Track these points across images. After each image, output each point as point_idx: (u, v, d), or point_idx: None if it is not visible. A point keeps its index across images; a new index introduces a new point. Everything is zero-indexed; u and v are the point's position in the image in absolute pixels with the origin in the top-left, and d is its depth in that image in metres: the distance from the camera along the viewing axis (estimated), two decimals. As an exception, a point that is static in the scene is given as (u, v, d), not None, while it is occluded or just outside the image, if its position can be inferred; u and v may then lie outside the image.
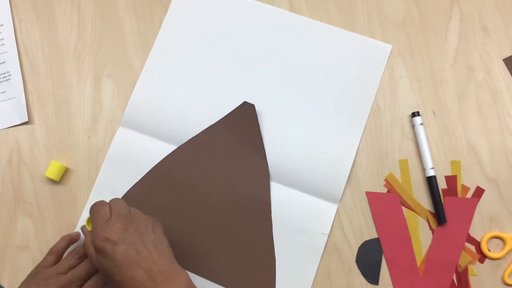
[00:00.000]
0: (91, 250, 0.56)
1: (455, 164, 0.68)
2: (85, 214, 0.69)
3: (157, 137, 0.70)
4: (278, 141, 0.69)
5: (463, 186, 0.68)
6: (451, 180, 0.68)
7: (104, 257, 0.54)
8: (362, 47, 0.71)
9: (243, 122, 0.70)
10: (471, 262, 0.66)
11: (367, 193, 0.68)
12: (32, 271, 0.62)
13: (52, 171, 0.69)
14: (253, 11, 0.73)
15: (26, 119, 0.72)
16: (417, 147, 0.69)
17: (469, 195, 0.68)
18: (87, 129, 0.72)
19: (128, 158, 0.70)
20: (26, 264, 0.68)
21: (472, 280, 0.66)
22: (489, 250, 0.66)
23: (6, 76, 0.73)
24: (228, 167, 0.69)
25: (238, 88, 0.71)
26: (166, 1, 0.74)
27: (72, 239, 0.66)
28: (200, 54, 0.72)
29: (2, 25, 0.74)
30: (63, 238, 0.66)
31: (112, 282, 0.55)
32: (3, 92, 0.73)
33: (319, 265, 0.67)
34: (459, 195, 0.68)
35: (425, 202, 0.68)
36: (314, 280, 0.66)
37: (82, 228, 0.61)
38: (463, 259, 0.66)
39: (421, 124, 0.68)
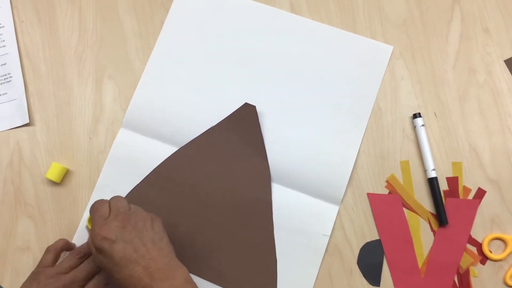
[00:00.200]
0: (91, 248, 0.57)
1: (456, 165, 0.68)
2: (86, 216, 0.69)
3: (158, 138, 0.70)
4: (279, 142, 0.69)
5: (464, 187, 0.68)
6: (453, 181, 0.68)
7: (103, 256, 0.55)
8: (363, 48, 0.71)
9: (244, 123, 0.70)
10: (473, 264, 0.66)
11: (369, 195, 0.68)
12: (33, 272, 0.62)
13: (53, 173, 0.69)
14: (254, 12, 0.73)
15: (27, 121, 0.72)
16: (419, 148, 0.69)
17: (470, 196, 0.68)
18: (88, 130, 0.72)
19: (129, 160, 0.70)
20: (27, 265, 0.68)
21: (473, 281, 0.66)
22: (491, 252, 0.66)
23: (7, 78, 0.73)
24: (229, 169, 0.69)
25: (239, 89, 0.71)
26: (167, 3, 0.74)
27: (70, 244, 0.66)
28: (201, 55, 0.72)
29: (3, 26, 0.74)
30: (61, 238, 0.67)
31: (113, 279, 0.55)
32: (4, 94, 0.73)
33: (320, 266, 0.67)
34: (461, 196, 0.68)
35: (427, 204, 0.68)
36: (315, 281, 0.66)
37: (86, 227, 0.61)
38: (465, 261, 0.66)
39: (423, 125, 0.68)
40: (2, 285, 0.68)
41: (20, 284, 0.61)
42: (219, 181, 0.69)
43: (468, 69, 0.71)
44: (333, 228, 0.67)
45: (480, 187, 0.68)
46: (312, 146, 0.69)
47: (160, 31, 0.73)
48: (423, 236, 0.67)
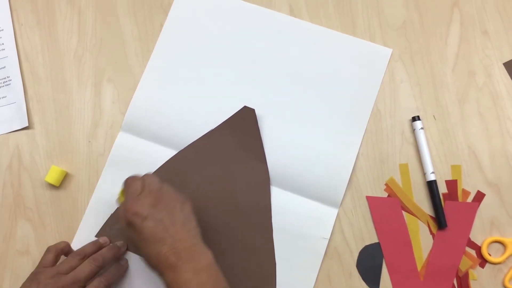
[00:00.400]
0: (122, 222, 0.58)
1: (455, 168, 0.68)
2: (86, 219, 0.69)
3: (157, 141, 0.70)
4: (279, 145, 0.69)
5: (463, 190, 0.68)
6: (452, 184, 0.68)
7: (132, 230, 0.57)
8: (362, 51, 0.71)
9: (243, 126, 0.70)
10: (472, 267, 0.66)
11: (368, 198, 0.68)
12: (33, 272, 0.62)
13: (52, 176, 0.69)
14: (253, 15, 0.73)
15: (27, 124, 0.72)
16: (418, 151, 0.69)
17: (469, 199, 0.68)
18: (87, 134, 0.72)
19: (128, 163, 0.70)
20: (27, 269, 0.68)
21: (472, 284, 0.66)
22: (490, 255, 0.66)
23: (6, 81, 0.73)
24: (229, 172, 0.69)
25: (238, 92, 0.71)
26: (167, 6, 0.74)
27: (70, 248, 0.67)
28: (200, 58, 0.72)
29: (2, 29, 0.74)
30: (63, 241, 0.67)
31: (139, 253, 0.58)
32: (4, 97, 0.73)
33: (319, 269, 0.67)
34: (460, 199, 0.68)
35: (426, 207, 0.68)
36: (314, 284, 0.66)
37: (116, 200, 0.63)
38: (464, 264, 0.66)
39: (422, 128, 0.68)
40: (2, 289, 0.68)
41: (19, 288, 0.62)
42: (218, 184, 0.69)
43: (467, 72, 0.71)
44: (332, 231, 0.67)
45: (479, 190, 0.68)
46: (311, 149, 0.69)
47: (160, 34, 0.73)
48: (422, 239, 0.67)
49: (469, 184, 0.68)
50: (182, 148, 0.70)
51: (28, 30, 0.75)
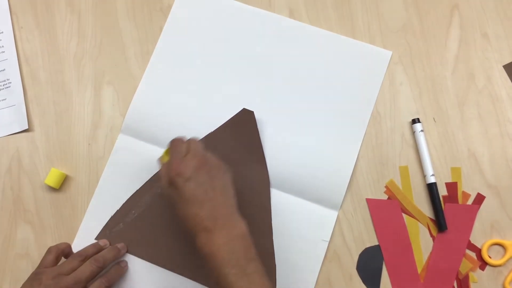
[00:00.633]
0: (163, 180, 0.59)
1: (455, 170, 0.68)
2: (86, 222, 0.69)
3: (157, 144, 0.70)
4: (278, 148, 0.69)
5: (463, 192, 0.68)
6: (452, 186, 0.68)
7: (173, 190, 0.58)
8: (362, 53, 0.71)
9: (242, 128, 0.70)
10: (472, 269, 0.66)
11: (368, 200, 0.68)
12: (33, 272, 0.62)
13: (52, 179, 0.69)
14: (253, 18, 0.73)
15: (26, 127, 0.72)
16: (418, 153, 0.69)
17: (469, 201, 0.68)
18: (87, 136, 0.72)
19: (128, 165, 0.70)
20: (26, 272, 0.67)
21: (473, 287, 0.66)
22: (490, 257, 0.66)
23: (6, 84, 0.73)
24: (228, 174, 0.69)
25: (238, 94, 0.71)
26: (166, 9, 0.74)
27: (71, 250, 0.67)
28: (199, 61, 0.72)
29: (2, 32, 0.74)
30: (64, 242, 0.67)
31: (176, 213, 0.58)
32: (3, 100, 0.73)
33: (319, 272, 0.66)
34: (460, 202, 0.68)
35: (426, 209, 0.68)
36: (314, 287, 0.66)
37: (159, 159, 0.64)
38: (464, 266, 0.66)
39: (422, 130, 0.68)
40: (1, 292, 0.68)
41: (20, 290, 0.62)
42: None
43: (467, 75, 0.71)
44: (332, 234, 0.67)
45: (479, 192, 0.68)
46: (311, 152, 0.69)
47: (159, 37, 0.73)
48: (422, 241, 0.67)
49: (469, 187, 0.68)
50: (182, 150, 0.70)
51: (28, 33, 0.75)
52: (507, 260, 0.66)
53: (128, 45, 0.74)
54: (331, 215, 0.68)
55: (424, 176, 0.68)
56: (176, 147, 0.61)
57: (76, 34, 0.74)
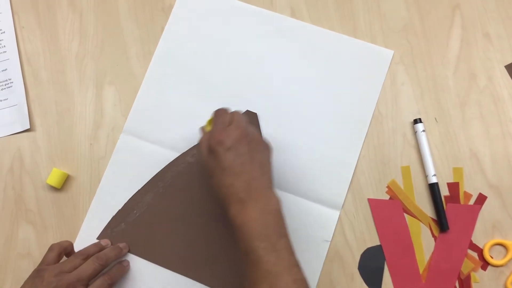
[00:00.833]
0: (203, 147, 0.60)
1: (457, 171, 0.68)
2: (87, 221, 0.69)
3: (159, 144, 0.70)
4: (280, 148, 0.69)
5: (465, 193, 0.68)
6: (454, 187, 0.68)
7: (213, 157, 0.58)
8: (363, 53, 0.71)
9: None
10: (474, 269, 0.66)
11: (369, 200, 0.68)
12: (35, 269, 0.62)
13: (54, 179, 0.69)
14: (255, 18, 0.73)
15: (28, 127, 0.72)
16: (419, 154, 0.69)
17: (471, 202, 0.68)
18: (89, 136, 0.72)
19: (130, 166, 0.70)
20: (28, 271, 0.67)
21: (474, 287, 0.66)
22: (492, 257, 0.66)
23: (8, 83, 0.73)
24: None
25: (240, 94, 0.71)
26: (168, 8, 0.74)
27: (73, 249, 0.66)
28: (201, 60, 0.72)
29: (3, 32, 0.74)
30: (67, 240, 0.67)
31: (211, 182, 0.58)
32: (5, 100, 0.73)
33: (321, 272, 0.66)
34: (462, 202, 0.68)
35: (428, 209, 0.68)
36: (316, 287, 0.66)
37: (201, 127, 0.65)
38: (466, 266, 0.66)
39: (423, 130, 0.68)
40: (3, 291, 0.68)
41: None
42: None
43: (468, 75, 0.71)
44: (334, 234, 0.67)
45: (481, 192, 0.68)
46: (313, 152, 0.69)
47: (161, 37, 0.73)
48: (424, 241, 0.67)
49: (471, 187, 0.68)
50: (184, 150, 0.70)
51: (29, 32, 0.75)
52: (509, 260, 0.66)
53: (130, 45, 0.74)
54: (333, 215, 0.68)
55: (425, 176, 0.68)
56: (220, 117, 0.61)
57: (77, 34, 0.74)
